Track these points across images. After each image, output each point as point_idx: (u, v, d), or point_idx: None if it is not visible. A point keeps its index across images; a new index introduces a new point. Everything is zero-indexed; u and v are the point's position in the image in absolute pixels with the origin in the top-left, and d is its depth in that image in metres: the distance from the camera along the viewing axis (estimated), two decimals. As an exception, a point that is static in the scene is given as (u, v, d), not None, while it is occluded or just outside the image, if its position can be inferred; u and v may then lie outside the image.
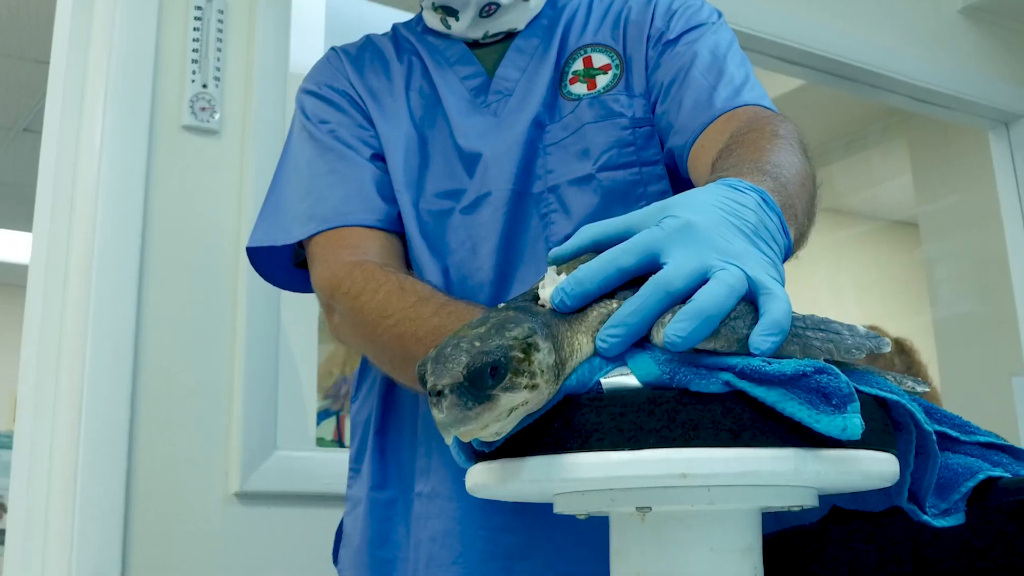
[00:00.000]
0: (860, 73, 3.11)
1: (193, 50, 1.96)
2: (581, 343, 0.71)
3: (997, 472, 0.81)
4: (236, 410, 1.87)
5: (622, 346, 0.70)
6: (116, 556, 1.70)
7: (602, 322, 0.72)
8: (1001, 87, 3.39)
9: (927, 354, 3.93)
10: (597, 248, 0.79)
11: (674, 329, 0.67)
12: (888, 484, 0.73)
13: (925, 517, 0.79)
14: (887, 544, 0.89)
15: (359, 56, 1.44)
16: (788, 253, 0.83)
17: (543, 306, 0.73)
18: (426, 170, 1.33)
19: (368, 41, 1.47)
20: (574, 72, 1.35)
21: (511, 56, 1.38)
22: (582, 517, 0.78)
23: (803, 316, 0.72)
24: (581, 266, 0.73)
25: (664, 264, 0.71)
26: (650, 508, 0.72)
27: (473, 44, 1.40)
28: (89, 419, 1.74)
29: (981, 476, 0.81)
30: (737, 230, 0.75)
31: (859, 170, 5.16)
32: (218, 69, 1.97)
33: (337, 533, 1.40)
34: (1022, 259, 3.40)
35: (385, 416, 1.33)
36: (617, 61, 1.34)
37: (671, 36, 1.32)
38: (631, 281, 0.73)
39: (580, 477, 0.68)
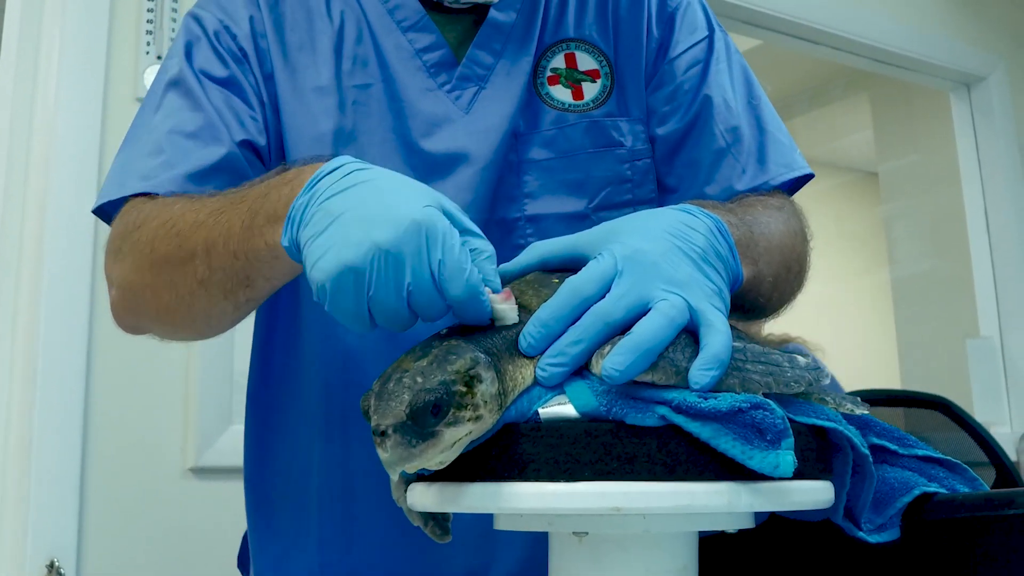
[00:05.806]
0: (823, 36, 3.10)
1: (148, 21, 1.93)
2: (524, 375, 0.71)
3: (933, 487, 0.82)
4: (192, 385, 1.87)
5: (562, 376, 0.70)
6: (72, 531, 1.71)
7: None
8: (963, 50, 3.39)
9: (885, 312, 3.98)
10: (544, 267, 0.80)
11: (612, 363, 0.67)
12: (822, 507, 0.74)
13: (860, 533, 0.80)
14: (821, 552, 0.91)
15: None
16: (739, 281, 0.83)
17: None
18: None
19: None
20: (554, 70, 1.11)
21: (486, 33, 1.10)
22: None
23: (743, 347, 0.72)
24: (543, 305, 0.72)
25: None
26: (587, 532, 0.73)
27: (433, 7, 1.11)
28: (44, 393, 1.73)
29: (917, 491, 0.82)
30: (684, 255, 0.75)
31: (822, 126, 5.17)
32: (172, 42, 1.94)
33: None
34: (979, 221, 3.43)
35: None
36: (607, 69, 1.12)
37: (673, 54, 1.13)
38: None
39: (517, 507, 0.68)
